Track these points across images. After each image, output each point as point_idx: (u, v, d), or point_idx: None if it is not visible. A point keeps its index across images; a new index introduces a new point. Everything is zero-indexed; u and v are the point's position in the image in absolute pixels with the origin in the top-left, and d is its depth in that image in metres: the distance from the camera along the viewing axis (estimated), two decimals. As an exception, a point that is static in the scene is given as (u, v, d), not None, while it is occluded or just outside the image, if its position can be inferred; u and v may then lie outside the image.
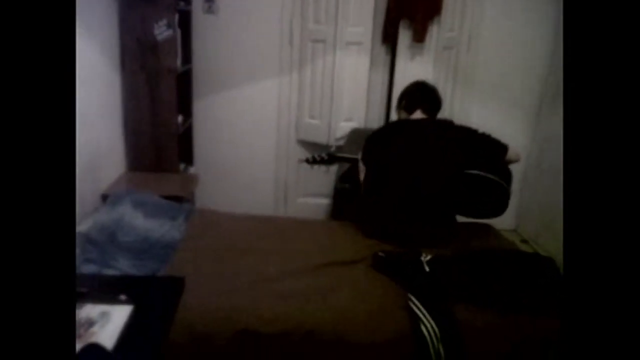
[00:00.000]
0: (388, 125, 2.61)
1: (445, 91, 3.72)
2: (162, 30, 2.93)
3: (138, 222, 2.30)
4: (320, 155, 2.83)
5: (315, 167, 2.94)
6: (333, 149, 3.61)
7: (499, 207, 2.44)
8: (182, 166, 3.41)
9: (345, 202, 3.02)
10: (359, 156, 2.57)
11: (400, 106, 2.58)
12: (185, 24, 3.32)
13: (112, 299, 1.61)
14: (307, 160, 2.85)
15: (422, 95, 2.54)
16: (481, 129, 2.41)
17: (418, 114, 2.48)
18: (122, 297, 1.62)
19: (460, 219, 2.50)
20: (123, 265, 2.01)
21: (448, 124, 2.45)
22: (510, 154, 2.37)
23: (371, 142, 2.51)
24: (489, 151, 2.37)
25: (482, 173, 2.36)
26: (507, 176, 2.41)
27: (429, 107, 2.50)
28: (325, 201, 3.89)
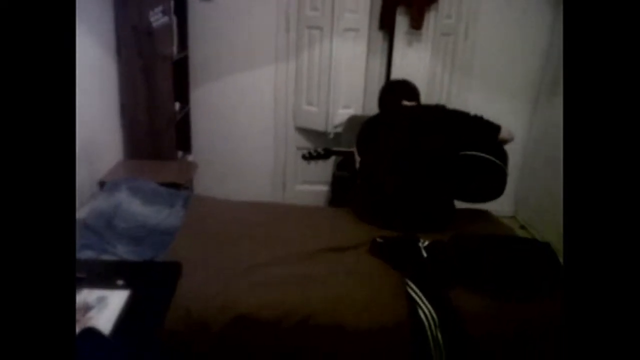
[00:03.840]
0: (379, 114, 2.62)
1: (442, 78, 3.71)
2: (157, 17, 2.91)
3: (135, 208, 2.30)
4: (316, 150, 2.87)
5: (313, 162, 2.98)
6: (331, 136, 3.61)
7: (497, 189, 2.43)
8: (179, 154, 3.40)
9: (344, 189, 3.03)
10: (354, 148, 2.59)
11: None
12: (181, 10, 3.30)
13: (109, 284, 1.62)
14: (303, 157, 2.90)
15: (397, 89, 2.64)
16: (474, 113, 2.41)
17: (406, 103, 2.52)
18: (119, 282, 1.63)
19: (459, 205, 2.50)
20: (120, 252, 2.01)
21: (439, 109, 2.47)
22: (504, 133, 2.37)
23: (364, 131, 2.53)
24: (482, 132, 2.38)
25: (477, 153, 2.36)
26: (503, 156, 2.42)
27: (409, 95, 2.57)
28: (323, 188, 3.90)
